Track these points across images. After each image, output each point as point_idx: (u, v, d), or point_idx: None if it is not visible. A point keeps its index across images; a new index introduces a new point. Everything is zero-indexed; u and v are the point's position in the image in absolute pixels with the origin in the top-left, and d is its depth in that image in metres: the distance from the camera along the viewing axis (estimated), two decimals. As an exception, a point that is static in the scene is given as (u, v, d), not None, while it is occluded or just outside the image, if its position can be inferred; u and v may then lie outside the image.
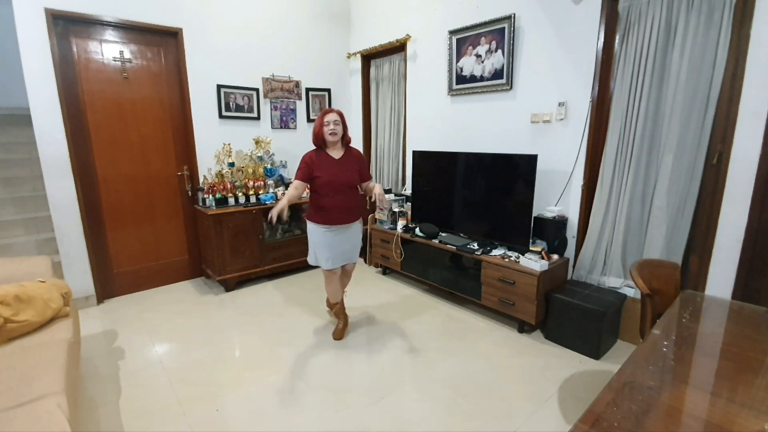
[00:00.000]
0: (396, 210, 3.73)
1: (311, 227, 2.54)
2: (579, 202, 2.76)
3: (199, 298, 3.38)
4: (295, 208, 3.93)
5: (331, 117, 2.41)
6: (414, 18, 3.73)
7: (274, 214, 2.19)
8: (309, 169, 2.42)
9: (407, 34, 3.78)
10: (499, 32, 3.00)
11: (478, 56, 3.19)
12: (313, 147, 2.52)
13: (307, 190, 2.59)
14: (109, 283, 3.35)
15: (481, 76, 3.19)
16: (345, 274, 2.76)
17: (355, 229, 2.62)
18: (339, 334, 2.69)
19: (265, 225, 3.60)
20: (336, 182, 2.43)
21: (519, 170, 2.77)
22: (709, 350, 1.37)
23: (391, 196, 3.81)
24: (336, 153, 2.49)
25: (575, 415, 1.87)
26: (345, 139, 2.52)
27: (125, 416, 1.95)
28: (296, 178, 2.44)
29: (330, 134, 2.40)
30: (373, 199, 2.56)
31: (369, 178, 2.65)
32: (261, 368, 2.35)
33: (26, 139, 3.69)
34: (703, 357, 1.32)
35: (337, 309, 2.77)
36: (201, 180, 3.62)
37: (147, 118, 3.36)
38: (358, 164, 2.55)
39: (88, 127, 3.10)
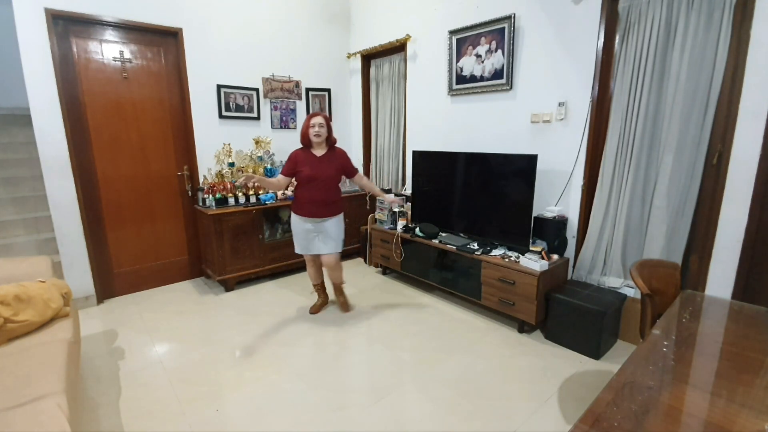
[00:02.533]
0: (396, 210, 3.73)
1: (292, 218, 2.84)
2: (579, 202, 2.76)
3: (199, 298, 3.38)
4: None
5: (317, 120, 2.66)
6: (414, 18, 3.73)
7: (243, 181, 2.49)
8: (293, 165, 2.70)
9: (407, 34, 3.78)
10: (499, 32, 3.00)
11: (478, 56, 3.19)
12: (301, 146, 2.79)
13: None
14: (109, 283, 3.35)
15: (481, 76, 3.19)
16: (326, 266, 2.92)
17: (331, 224, 2.80)
18: (314, 309, 3.05)
19: (265, 225, 3.62)
20: (316, 177, 2.66)
21: (519, 170, 2.77)
22: (709, 350, 1.37)
23: (391, 196, 3.80)
24: (319, 152, 2.74)
25: (575, 415, 1.87)
26: (330, 140, 2.76)
27: (125, 416, 1.95)
28: (281, 173, 2.75)
29: (315, 136, 2.65)
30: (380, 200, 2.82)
31: (355, 172, 2.87)
32: (261, 368, 2.35)
33: (26, 139, 3.69)
34: (703, 357, 1.32)
35: (317, 289, 3.11)
36: (201, 180, 3.62)
37: (147, 118, 3.36)
38: (341, 162, 2.79)
39: (88, 127, 3.10)
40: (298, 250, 2.88)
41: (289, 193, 3.81)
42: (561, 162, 2.80)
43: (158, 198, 3.51)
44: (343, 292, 3.08)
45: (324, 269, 3.01)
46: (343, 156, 2.82)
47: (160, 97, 3.41)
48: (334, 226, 2.82)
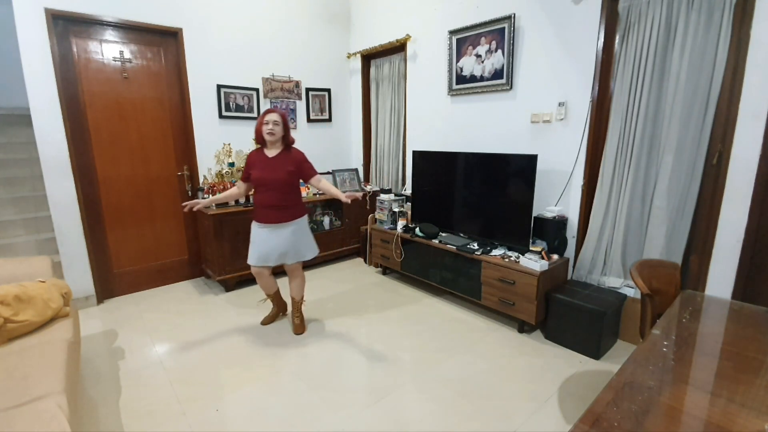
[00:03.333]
0: (396, 210, 3.73)
1: (252, 225, 2.66)
2: (579, 202, 2.76)
3: (199, 298, 3.38)
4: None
5: (271, 117, 2.46)
6: (414, 18, 3.73)
7: (192, 204, 2.46)
8: (247, 167, 2.57)
9: (407, 34, 3.78)
10: (499, 32, 3.00)
11: (478, 56, 3.19)
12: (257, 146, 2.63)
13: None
14: (109, 283, 3.35)
15: (481, 76, 3.20)
16: (290, 275, 2.74)
17: (290, 230, 2.56)
18: (267, 320, 2.89)
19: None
20: (265, 179, 2.49)
21: (519, 170, 2.77)
22: (709, 350, 1.37)
23: (391, 196, 3.81)
24: (272, 152, 2.54)
25: (575, 415, 1.87)
26: (286, 140, 2.55)
27: (125, 416, 1.95)
28: (240, 179, 2.64)
29: (268, 134, 2.46)
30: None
31: (312, 174, 2.60)
32: (261, 368, 2.35)
33: (26, 139, 3.69)
34: (703, 357, 1.32)
35: (271, 299, 2.88)
36: (201, 180, 3.62)
37: (147, 118, 3.36)
38: (294, 164, 2.53)
39: (88, 127, 3.09)
40: (251, 261, 2.61)
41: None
42: (561, 162, 2.80)
43: (158, 198, 3.51)
44: (301, 311, 2.79)
45: (290, 284, 2.79)
46: (299, 157, 2.57)
47: (160, 97, 3.41)
48: (294, 234, 2.57)
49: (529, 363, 2.38)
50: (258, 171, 2.50)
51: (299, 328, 2.74)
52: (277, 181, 2.48)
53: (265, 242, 2.57)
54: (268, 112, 2.48)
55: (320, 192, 3.97)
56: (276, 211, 2.53)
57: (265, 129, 2.46)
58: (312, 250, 2.70)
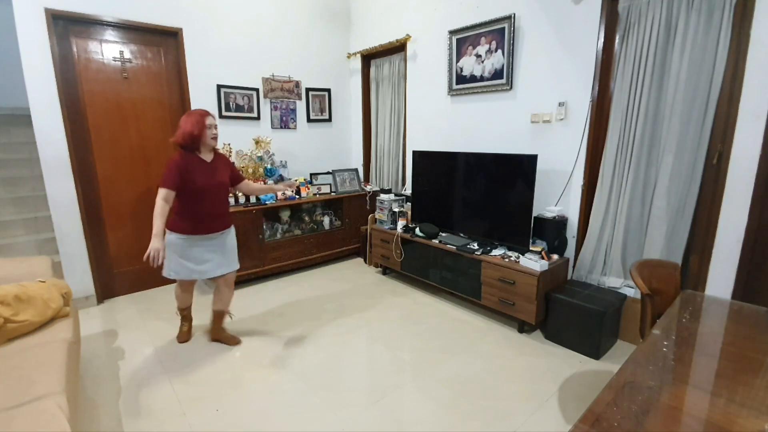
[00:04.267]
0: (396, 210, 3.73)
1: (173, 239, 2.30)
2: (579, 202, 2.76)
3: (198, 298, 3.37)
4: (295, 208, 3.93)
5: (212, 121, 2.30)
6: (414, 18, 3.73)
7: (154, 255, 2.06)
8: (182, 176, 2.21)
9: (407, 34, 3.78)
10: (499, 32, 3.00)
11: (478, 56, 3.19)
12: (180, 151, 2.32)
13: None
14: (109, 283, 3.35)
15: (481, 76, 3.19)
16: (226, 287, 2.55)
17: (227, 237, 2.47)
18: (184, 337, 2.67)
19: (265, 225, 3.62)
20: (210, 186, 2.30)
21: (519, 170, 2.77)
22: (709, 350, 1.37)
23: (391, 196, 3.81)
24: (207, 156, 2.35)
25: (575, 415, 1.87)
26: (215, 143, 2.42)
27: (125, 416, 1.95)
28: (165, 187, 2.18)
29: (212, 138, 2.30)
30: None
31: (243, 178, 2.56)
32: (261, 368, 2.35)
33: (26, 139, 3.69)
34: (703, 357, 1.32)
35: (185, 314, 2.71)
36: (201, 180, 3.61)
37: (147, 118, 3.36)
38: (230, 168, 2.47)
39: (88, 127, 3.10)
40: (179, 275, 2.36)
41: (289, 193, 3.80)
42: (561, 162, 2.80)
43: (158, 198, 3.50)
44: (223, 323, 2.66)
45: (218, 293, 2.59)
46: (228, 160, 2.50)
47: (160, 97, 3.41)
48: (229, 241, 2.47)
49: (529, 363, 2.38)
50: (202, 178, 2.27)
51: (234, 339, 2.62)
52: (220, 186, 2.36)
53: (200, 254, 2.36)
54: (206, 114, 2.28)
55: (320, 192, 4.03)
56: (217, 220, 2.38)
57: (210, 133, 2.27)
58: (237, 260, 2.58)
